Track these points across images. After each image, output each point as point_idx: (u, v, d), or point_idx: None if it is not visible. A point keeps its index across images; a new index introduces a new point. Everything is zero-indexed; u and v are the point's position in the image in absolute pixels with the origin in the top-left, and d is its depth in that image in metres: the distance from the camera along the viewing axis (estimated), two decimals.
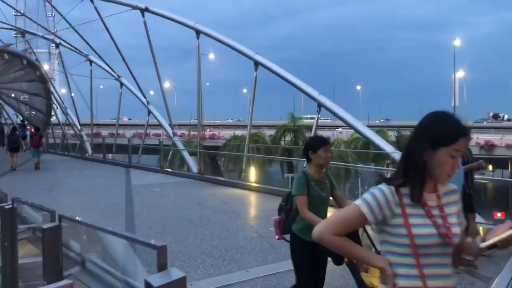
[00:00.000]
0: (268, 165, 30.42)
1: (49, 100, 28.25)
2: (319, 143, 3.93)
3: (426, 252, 1.78)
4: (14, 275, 4.08)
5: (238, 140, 35.82)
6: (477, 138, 34.84)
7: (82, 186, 14.14)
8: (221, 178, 16.50)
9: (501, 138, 38.31)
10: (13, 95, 30.50)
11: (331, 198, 4.00)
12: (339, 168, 21.57)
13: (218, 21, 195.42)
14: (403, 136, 40.05)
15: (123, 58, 21.11)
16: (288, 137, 36.98)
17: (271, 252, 6.66)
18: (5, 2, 26.30)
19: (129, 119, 71.76)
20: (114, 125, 29.33)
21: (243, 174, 15.25)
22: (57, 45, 27.85)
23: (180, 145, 20.11)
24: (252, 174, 15.87)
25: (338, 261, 3.79)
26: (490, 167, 33.92)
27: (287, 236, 4.08)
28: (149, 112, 21.45)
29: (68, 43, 26.25)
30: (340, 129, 43.56)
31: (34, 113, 31.18)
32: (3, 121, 36.98)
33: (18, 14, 49.96)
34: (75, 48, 25.73)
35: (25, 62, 23.81)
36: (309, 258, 3.79)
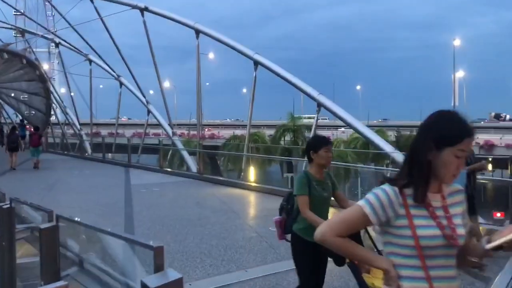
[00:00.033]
0: (268, 165, 30.41)
1: (49, 100, 28.24)
2: (320, 143, 3.92)
3: (431, 253, 1.76)
4: (12, 274, 4.07)
5: (238, 140, 35.81)
6: (477, 138, 34.77)
7: (81, 186, 14.14)
8: (221, 178, 16.49)
9: (500, 138, 38.32)
10: (12, 94, 30.49)
11: (332, 198, 3.99)
12: (339, 168, 21.53)
13: (218, 21, 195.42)
14: (403, 136, 40.09)
15: (122, 58, 21.10)
16: (288, 137, 36.99)
17: (270, 252, 6.65)
18: (5, 2, 26.27)
19: (129, 119, 71.69)
20: (113, 124, 29.32)
21: (242, 173, 15.24)
22: (57, 45, 27.82)
23: (180, 145, 20.09)
24: (252, 173, 15.85)
25: (339, 262, 3.77)
26: (490, 167, 33.91)
27: (288, 236, 4.06)
28: (149, 111, 21.43)
29: (67, 43, 26.22)
30: (342, 129, 43.47)
31: (33, 112, 31.17)
32: (2, 121, 36.96)
33: (17, 13, 49.89)
34: (74, 47, 25.71)
35: (24, 61, 23.78)
36: (311, 258, 3.77)
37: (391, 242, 1.83)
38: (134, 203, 10.89)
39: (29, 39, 31.15)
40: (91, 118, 27.49)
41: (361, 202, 1.83)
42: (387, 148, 12.12)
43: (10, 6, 30.42)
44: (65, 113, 29.67)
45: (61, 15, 23.85)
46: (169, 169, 18.46)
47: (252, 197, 12.21)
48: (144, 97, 21.82)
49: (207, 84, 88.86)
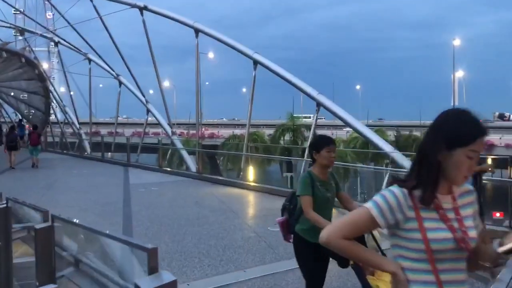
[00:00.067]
0: (267, 164, 30.42)
1: (48, 99, 28.20)
2: (322, 143, 3.85)
3: (441, 257, 1.70)
4: (8, 274, 4.05)
5: (237, 139, 35.81)
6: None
7: (80, 185, 14.11)
8: (220, 177, 16.49)
9: (500, 138, 38.29)
10: (12, 93, 30.44)
11: (335, 199, 3.96)
12: (338, 168, 21.52)
13: (217, 21, 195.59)
14: (402, 135, 40.12)
15: (122, 57, 21.05)
16: (288, 136, 37.00)
17: (269, 252, 6.63)
18: (4, 1, 26.22)
19: (128, 118, 71.59)
20: (113, 123, 29.28)
21: (241, 173, 15.21)
22: (56, 44, 27.77)
23: (179, 144, 20.06)
24: (251, 173, 15.83)
25: (343, 263, 3.75)
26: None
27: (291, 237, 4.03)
28: (148, 111, 21.40)
29: (66, 42, 26.17)
30: (347, 128, 43.34)
31: (33, 111, 31.13)
32: (1, 120, 36.91)
33: (17, 12, 49.80)
34: (74, 46, 25.66)
35: (23, 60, 23.71)
36: (313, 259, 3.74)
37: (399, 245, 1.77)
38: (132, 203, 10.86)
39: (28, 38, 31.12)
40: (90, 117, 27.46)
41: (368, 204, 1.76)
42: (387, 148, 12.10)
43: (10, 5, 30.38)
44: (64, 112, 29.62)
45: (60, 14, 23.81)
46: (168, 169, 18.44)
47: (251, 196, 12.19)
48: (144, 96, 21.78)
49: (207, 83, 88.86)
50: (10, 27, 30.13)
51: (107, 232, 2.26)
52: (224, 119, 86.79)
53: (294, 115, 39.59)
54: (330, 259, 3.78)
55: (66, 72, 29.53)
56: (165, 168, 18.28)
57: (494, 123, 59.58)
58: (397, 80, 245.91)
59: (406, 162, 11.32)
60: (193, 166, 16.85)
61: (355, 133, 19.01)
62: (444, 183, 1.75)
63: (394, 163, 11.90)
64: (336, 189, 3.90)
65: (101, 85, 70.61)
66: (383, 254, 2.82)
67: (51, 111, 31.14)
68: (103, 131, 40.08)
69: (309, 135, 16.77)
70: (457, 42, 51.87)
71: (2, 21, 27.23)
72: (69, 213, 9.35)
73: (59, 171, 18.79)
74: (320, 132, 31.08)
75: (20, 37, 33.64)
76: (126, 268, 2.25)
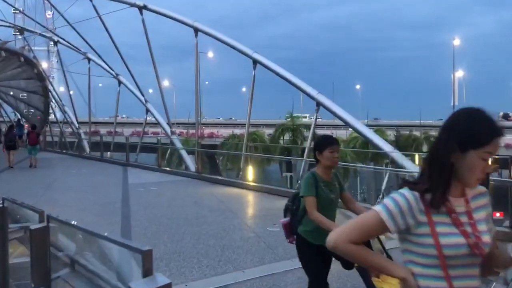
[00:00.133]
0: (267, 164, 30.42)
1: (47, 98, 28.17)
2: (325, 143, 3.79)
3: (454, 263, 1.63)
4: (5, 274, 4.02)
5: (237, 139, 35.79)
6: None
7: (78, 185, 14.08)
8: (219, 177, 16.47)
9: None
10: (11, 93, 30.40)
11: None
12: (338, 168, 21.49)
13: (217, 20, 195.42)
14: (402, 135, 40.15)
15: (121, 56, 21.02)
16: (287, 136, 37.00)
17: (268, 252, 6.60)
18: (4, 1, 26.20)
19: (128, 117, 71.49)
20: (112, 123, 29.25)
21: (241, 173, 15.18)
22: (55, 43, 27.73)
23: (178, 144, 20.03)
24: (250, 173, 15.78)
25: (348, 265, 3.71)
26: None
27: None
28: (147, 110, 21.36)
29: (66, 41, 26.13)
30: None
31: (32, 111, 31.11)
32: (0, 119, 36.87)
33: (17, 12, 49.76)
34: (73, 45, 25.62)
35: (22, 59, 23.68)
36: (316, 260, 3.71)
37: (410, 250, 1.70)
38: (131, 203, 10.82)
39: (28, 38, 31.07)
40: (90, 117, 27.44)
41: (377, 208, 1.69)
42: (386, 147, 12.07)
43: (9, 4, 30.35)
44: (63, 111, 29.58)
45: (59, 13, 23.76)
46: (167, 168, 18.41)
47: (250, 196, 12.15)
48: (143, 95, 21.74)
49: (206, 83, 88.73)
50: (9, 27, 30.08)
51: (101, 233, 2.22)
52: (221, 118, 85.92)
53: (292, 115, 39.57)
54: (333, 258, 3.73)
55: (65, 72, 29.49)
56: (164, 168, 18.25)
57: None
58: (397, 80, 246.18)
59: (406, 162, 11.30)
60: (192, 166, 16.82)
61: (355, 132, 19.02)
62: (457, 185, 1.69)
63: (394, 163, 11.87)
64: (339, 189, 3.85)
65: (100, 85, 70.57)
66: (389, 256, 2.78)
67: (50, 111, 31.09)
68: (103, 130, 40.06)
69: (309, 134, 16.76)
70: (457, 42, 51.84)
71: (1, 20, 27.20)
72: (67, 213, 9.33)
73: (58, 170, 18.75)
74: (319, 132, 31.08)
75: (20, 37, 33.63)
76: (122, 270, 2.21)
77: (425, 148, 37.06)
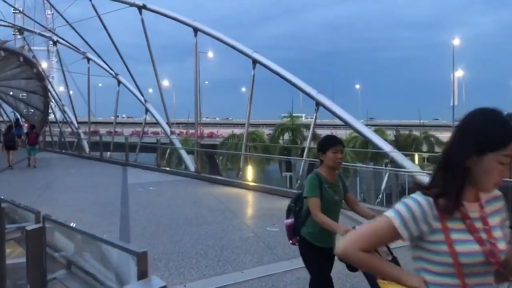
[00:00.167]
0: (266, 164, 30.39)
1: (46, 98, 28.14)
2: (328, 143, 3.73)
3: (470, 271, 1.56)
4: (2, 275, 3.99)
5: (236, 139, 35.78)
6: None
7: (78, 185, 14.06)
8: (218, 177, 16.44)
9: None
10: (11, 93, 30.37)
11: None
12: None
13: (217, 20, 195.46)
14: (402, 135, 40.14)
15: (120, 56, 20.98)
16: (287, 136, 36.98)
17: (267, 252, 6.57)
18: (4, 1, 26.15)
19: (128, 117, 71.47)
20: (112, 123, 29.22)
21: (240, 173, 15.16)
22: (55, 43, 27.69)
23: (178, 144, 19.99)
24: (250, 173, 15.76)
25: (353, 267, 3.68)
26: None
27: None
28: (147, 110, 21.34)
29: (65, 41, 26.10)
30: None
31: (32, 111, 31.07)
32: (0, 119, 36.84)
33: (16, 11, 49.73)
34: (72, 45, 25.58)
35: (21, 59, 23.65)
36: (319, 262, 3.67)
37: (423, 258, 1.62)
38: (130, 202, 10.80)
39: (28, 37, 31.03)
40: (89, 117, 27.43)
41: (389, 213, 1.60)
42: (386, 147, 12.04)
43: (9, 4, 30.28)
44: (63, 111, 29.55)
45: (58, 13, 23.70)
46: (167, 168, 18.41)
47: (250, 196, 12.13)
48: (142, 95, 21.71)
49: (206, 83, 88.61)
50: (9, 26, 30.03)
51: (99, 233, 2.20)
52: (217, 118, 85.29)
53: (285, 114, 39.60)
54: (336, 258, 3.70)
55: (65, 71, 29.46)
56: (163, 168, 18.25)
57: None
58: (396, 80, 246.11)
59: (405, 162, 11.28)
60: (191, 166, 16.80)
61: (354, 132, 19.00)
62: (471, 189, 1.61)
63: (393, 163, 11.86)
64: (343, 191, 3.80)
65: (100, 84, 70.62)
66: (395, 260, 2.74)
67: (50, 111, 31.05)
68: (102, 130, 40.06)
69: (309, 134, 16.73)
70: (456, 41, 51.85)
71: (1, 20, 27.17)
72: (66, 213, 9.31)
73: (57, 170, 18.74)
74: (319, 131, 31.07)
75: (19, 36, 33.59)
76: (118, 272, 2.18)
77: (424, 148, 37.05)
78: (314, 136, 16.96)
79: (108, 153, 23.29)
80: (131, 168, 18.84)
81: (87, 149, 25.45)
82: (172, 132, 20.03)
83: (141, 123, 24.68)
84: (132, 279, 1.79)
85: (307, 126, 32.20)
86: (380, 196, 11.68)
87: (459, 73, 56.47)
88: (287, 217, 3.97)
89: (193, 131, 28.81)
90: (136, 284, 1.50)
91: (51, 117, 32.27)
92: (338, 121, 16.30)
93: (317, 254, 3.65)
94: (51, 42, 30.74)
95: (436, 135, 41.11)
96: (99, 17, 20.62)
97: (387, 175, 12.15)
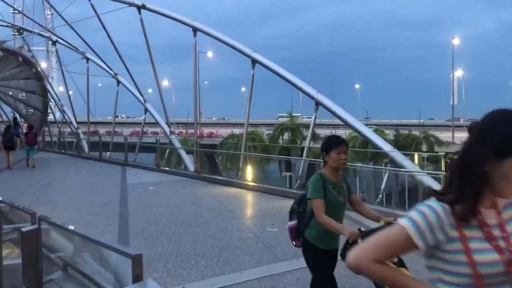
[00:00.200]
0: (266, 164, 30.32)
1: (46, 98, 28.07)
2: (331, 144, 3.66)
3: (489, 282, 1.47)
4: None
5: (236, 139, 35.72)
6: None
7: (77, 185, 14.03)
8: (218, 177, 16.40)
9: None
10: (10, 93, 30.29)
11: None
12: None
13: (217, 20, 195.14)
14: (401, 135, 40.09)
15: (119, 56, 20.93)
16: (286, 136, 36.92)
17: (266, 253, 6.54)
18: (3, 1, 26.10)
19: (128, 117, 71.32)
20: (111, 123, 29.16)
21: (240, 173, 15.12)
22: (54, 43, 27.63)
23: (177, 144, 19.95)
24: (249, 173, 15.72)
25: None
26: None
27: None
28: (146, 110, 21.29)
29: (64, 41, 26.04)
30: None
31: (31, 111, 30.99)
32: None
33: (15, 11, 49.66)
34: (71, 45, 25.53)
35: (20, 59, 23.59)
36: (323, 264, 3.64)
37: (439, 268, 1.54)
38: (129, 203, 10.77)
39: (27, 37, 30.95)
40: (88, 117, 27.38)
41: (403, 222, 1.51)
42: (386, 147, 12.01)
43: (8, 4, 30.23)
44: (62, 111, 29.50)
45: (57, 12, 23.65)
46: (166, 168, 18.34)
47: (249, 196, 12.10)
48: (142, 95, 21.67)
49: (206, 83, 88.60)
50: (8, 26, 29.97)
51: (97, 234, 2.17)
52: (214, 118, 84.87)
53: (283, 114, 39.54)
54: (338, 258, 3.66)
55: (64, 71, 29.40)
56: (163, 168, 18.19)
57: None
58: (396, 80, 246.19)
59: (405, 162, 11.25)
60: (191, 166, 16.76)
61: (352, 131, 18.97)
62: (488, 195, 1.52)
63: (393, 163, 11.82)
64: (347, 192, 3.75)
65: (100, 85, 70.47)
66: (400, 260, 2.70)
67: (49, 111, 30.98)
68: (102, 130, 39.98)
69: (308, 134, 16.70)
70: (456, 41, 51.91)
71: (0, 20, 27.11)
72: (65, 213, 9.29)
73: (56, 170, 18.69)
74: (318, 131, 31.04)
75: (19, 36, 33.52)
76: (114, 274, 2.15)
77: (424, 147, 37.01)
78: (314, 136, 16.91)
79: (108, 153, 23.23)
80: (130, 168, 18.80)
81: (86, 149, 25.39)
82: (172, 132, 19.99)
83: (140, 123, 24.64)
84: (125, 281, 1.76)
85: (306, 126, 32.14)
86: (380, 196, 11.64)
87: (458, 73, 56.56)
88: (290, 219, 3.89)
89: (192, 131, 28.78)
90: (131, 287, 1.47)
91: (50, 117, 32.21)
92: (337, 121, 16.27)
93: (321, 257, 3.61)
94: (50, 42, 30.68)
95: (436, 134, 41.10)
96: (98, 17, 20.58)
97: (386, 174, 12.10)
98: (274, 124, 43.41)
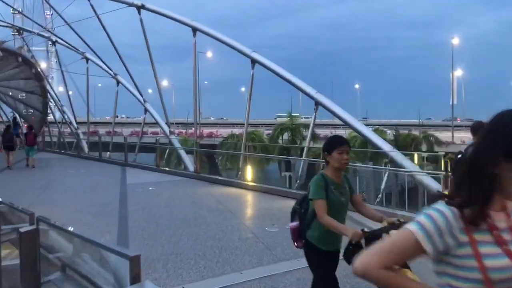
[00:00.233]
0: (266, 164, 30.29)
1: (45, 98, 28.05)
2: (333, 143, 3.64)
3: (500, 287, 1.43)
4: None
5: (236, 139, 35.68)
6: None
7: (77, 185, 14.02)
8: (218, 177, 16.39)
9: None
10: (10, 93, 30.27)
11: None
12: None
13: (217, 20, 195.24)
14: (401, 134, 40.06)
15: (119, 56, 20.92)
16: (286, 136, 36.88)
17: (266, 253, 6.53)
18: (3, 1, 26.07)
19: (128, 117, 71.25)
20: (111, 123, 29.14)
21: (239, 173, 15.11)
22: (53, 43, 27.62)
23: (177, 144, 19.93)
24: (249, 173, 15.70)
25: None
26: None
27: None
28: (146, 110, 21.29)
29: (64, 41, 26.03)
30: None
31: (31, 111, 30.97)
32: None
33: (15, 12, 49.65)
34: (71, 45, 25.52)
35: (20, 59, 23.56)
36: (326, 265, 3.61)
37: (448, 273, 1.50)
38: (129, 203, 10.76)
39: (27, 37, 30.93)
40: (88, 117, 27.37)
41: (411, 226, 1.48)
42: (386, 147, 12.00)
43: (8, 5, 30.20)
44: (62, 111, 29.49)
45: (57, 12, 23.64)
46: (166, 168, 18.33)
47: (249, 196, 12.09)
48: (141, 95, 21.66)
49: (206, 83, 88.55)
50: (7, 27, 29.96)
51: (97, 234, 2.15)
52: (212, 118, 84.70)
53: (281, 114, 39.52)
54: (340, 258, 3.65)
55: (64, 72, 29.40)
56: (163, 168, 18.18)
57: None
58: (396, 79, 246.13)
59: (405, 162, 11.24)
60: (191, 166, 16.75)
61: (352, 131, 18.96)
62: (498, 197, 1.48)
63: (393, 162, 11.81)
64: (349, 192, 3.73)
65: (99, 85, 70.46)
66: (405, 264, 2.68)
67: (49, 111, 30.97)
68: (102, 130, 39.95)
69: (308, 134, 16.68)
70: (456, 41, 51.93)
71: (0, 20, 27.09)
72: (65, 213, 9.28)
73: (56, 171, 18.68)
74: (318, 131, 31.03)
75: (18, 37, 33.51)
76: (115, 275, 2.14)
77: (424, 147, 36.98)
78: (314, 136, 16.89)
79: (107, 153, 23.23)
80: (130, 168, 18.79)
81: (86, 149, 25.38)
82: (171, 132, 19.98)
83: (140, 123, 24.62)
84: (124, 283, 1.75)
85: (306, 126, 32.13)
86: (380, 195, 11.62)
87: (458, 73, 56.56)
88: (292, 220, 3.86)
89: (192, 131, 28.78)
90: None
91: (50, 117, 32.18)
92: (337, 121, 16.25)
93: (323, 258, 3.58)
94: (50, 42, 30.67)
95: (435, 134, 41.08)
96: (98, 17, 20.58)
97: (386, 174, 12.09)
98: (273, 124, 43.38)
